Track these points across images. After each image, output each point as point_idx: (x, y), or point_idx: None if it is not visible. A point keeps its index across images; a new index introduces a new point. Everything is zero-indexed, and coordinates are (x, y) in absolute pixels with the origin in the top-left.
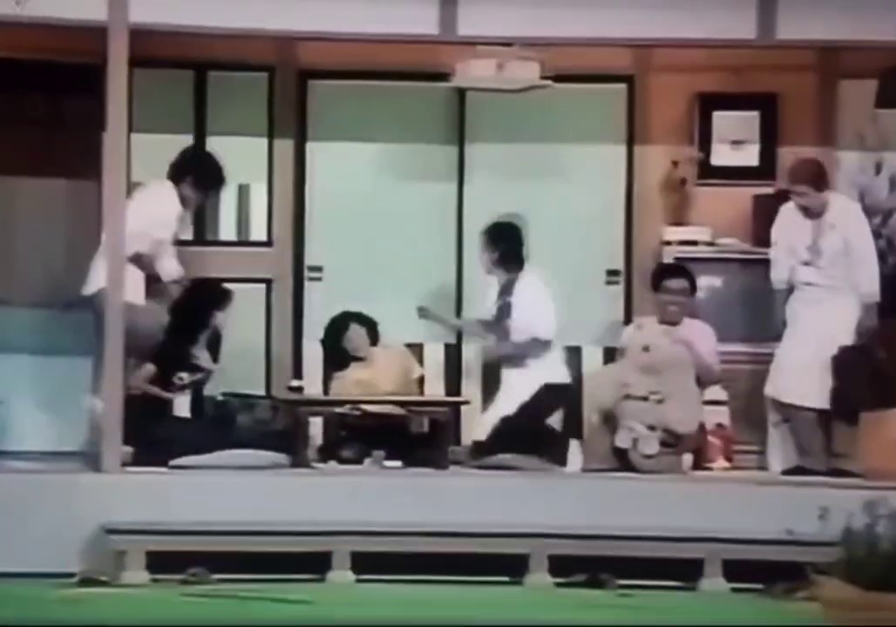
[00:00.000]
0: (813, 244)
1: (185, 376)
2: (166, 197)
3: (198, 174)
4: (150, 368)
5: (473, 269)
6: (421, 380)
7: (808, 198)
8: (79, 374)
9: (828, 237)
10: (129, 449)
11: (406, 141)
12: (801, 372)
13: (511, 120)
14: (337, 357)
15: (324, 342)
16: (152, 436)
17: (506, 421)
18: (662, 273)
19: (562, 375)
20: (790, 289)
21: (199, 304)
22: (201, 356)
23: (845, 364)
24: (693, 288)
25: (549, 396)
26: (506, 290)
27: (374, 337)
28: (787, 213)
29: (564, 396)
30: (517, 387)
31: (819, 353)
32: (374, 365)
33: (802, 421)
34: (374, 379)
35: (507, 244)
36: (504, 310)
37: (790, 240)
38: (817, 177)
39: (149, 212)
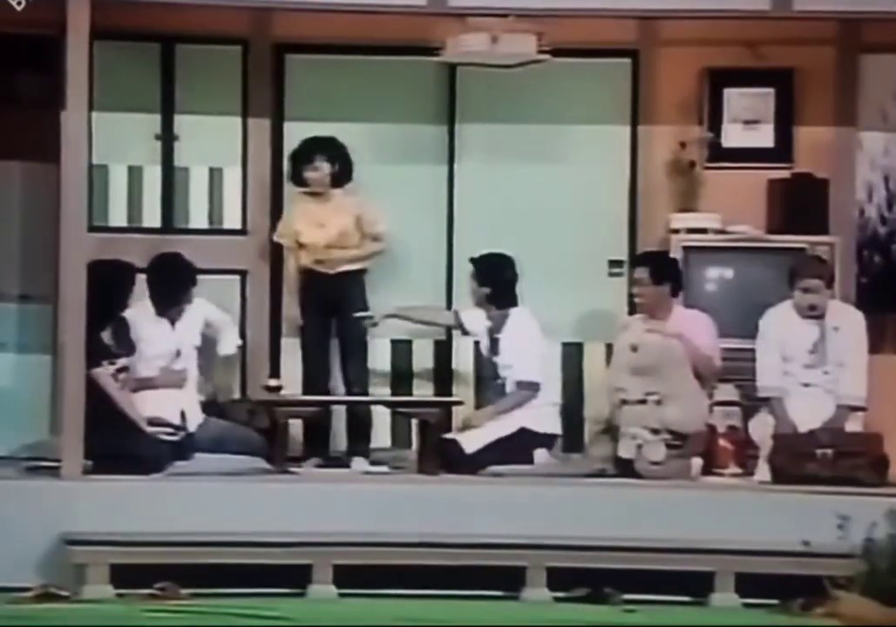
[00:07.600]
0: (815, 347)
1: (104, 364)
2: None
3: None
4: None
5: (464, 260)
6: (378, 237)
7: (819, 296)
8: (34, 372)
9: (832, 340)
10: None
11: (392, 120)
12: None
13: (505, 98)
14: (298, 183)
15: (290, 165)
16: (111, 450)
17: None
18: (633, 264)
19: (548, 424)
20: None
21: (101, 287)
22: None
23: None
24: (659, 276)
25: (523, 440)
26: (496, 328)
27: (340, 177)
28: (783, 312)
29: (541, 443)
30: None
31: None
32: (331, 202)
33: None
34: (323, 218)
35: (500, 279)
36: (493, 349)
37: (788, 342)
38: (829, 275)
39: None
